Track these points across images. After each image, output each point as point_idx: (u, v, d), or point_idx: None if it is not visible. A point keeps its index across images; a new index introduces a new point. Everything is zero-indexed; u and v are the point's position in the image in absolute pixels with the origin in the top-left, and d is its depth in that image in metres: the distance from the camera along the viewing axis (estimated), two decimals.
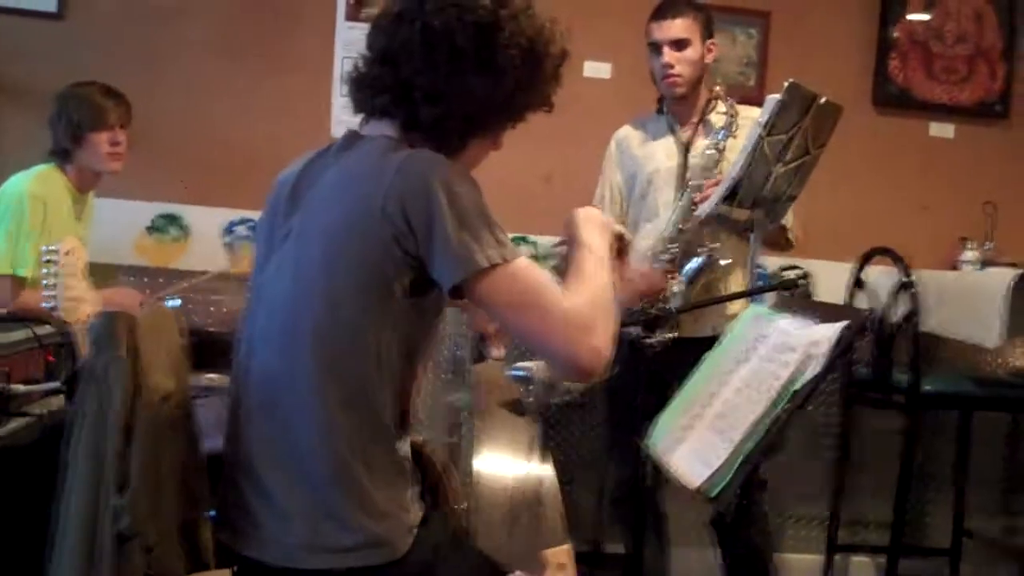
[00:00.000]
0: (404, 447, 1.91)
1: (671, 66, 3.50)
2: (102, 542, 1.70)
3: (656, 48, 3.53)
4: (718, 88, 3.55)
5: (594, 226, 1.99)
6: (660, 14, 3.54)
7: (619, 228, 2.08)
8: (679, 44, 3.49)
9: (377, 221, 1.73)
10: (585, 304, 1.78)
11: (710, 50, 3.57)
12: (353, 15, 4.27)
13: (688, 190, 3.47)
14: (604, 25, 4.26)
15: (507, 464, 2.40)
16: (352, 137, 1.93)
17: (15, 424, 2.30)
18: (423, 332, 1.89)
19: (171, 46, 4.21)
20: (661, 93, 3.65)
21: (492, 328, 2.47)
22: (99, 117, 3.50)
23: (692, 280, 3.39)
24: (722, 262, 3.36)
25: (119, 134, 3.55)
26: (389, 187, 1.74)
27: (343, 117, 4.17)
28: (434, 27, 1.83)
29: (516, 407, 2.67)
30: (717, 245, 3.38)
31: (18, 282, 3.39)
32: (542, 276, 1.78)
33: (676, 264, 3.43)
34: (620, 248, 2.08)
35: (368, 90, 1.92)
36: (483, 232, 1.74)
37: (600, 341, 1.75)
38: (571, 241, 1.98)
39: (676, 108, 3.65)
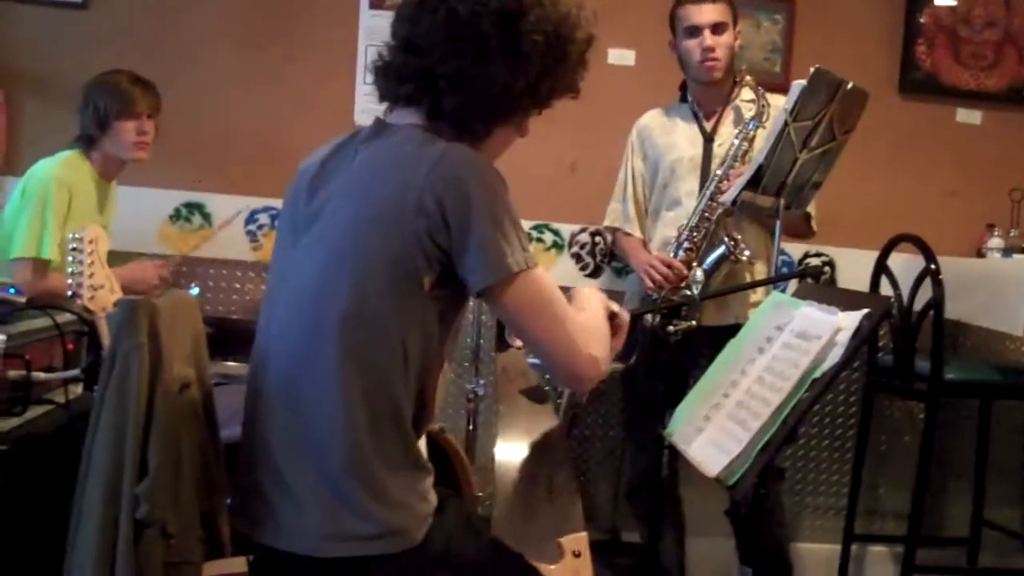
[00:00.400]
0: (422, 439, 1.92)
1: (712, 49, 3.49)
2: (122, 529, 1.71)
3: (694, 32, 3.51)
4: (749, 77, 3.54)
5: (594, 297, 2.08)
6: None
7: (614, 307, 2.14)
8: (718, 28, 3.49)
9: (411, 214, 1.74)
10: (587, 321, 1.92)
11: (737, 36, 3.56)
12: (377, 3, 4.26)
13: (714, 179, 3.46)
14: (628, 13, 4.24)
15: (525, 452, 2.40)
16: (380, 126, 1.93)
17: (36, 411, 2.32)
18: (447, 325, 1.89)
19: (195, 35, 4.22)
20: (693, 78, 3.63)
21: None
22: (127, 105, 3.50)
23: (712, 270, 3.38)
24: (744, 255, 3.35)
25: (146, 123, 3.54)
26: (425, 180, 1.74)
27: (367, 106, 4.17)
28: (458, 14, 1.83)
29: (537, 394, 2.67)
30: (739, 237, 3.37)
31: (41, 265, 3.40)
32: (555, 286, 1.85)
33: (698, 253, 3.43)
34: (613, 324, 2.11)
35: (393, 79, 1.92)
36: (513, 236, 1.77)
37: (599, 353, 1.88)
38: (573, 300, 2.03)
39: (701, 95, 3.64)
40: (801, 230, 3.68)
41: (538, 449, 2.42)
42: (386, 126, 1.92)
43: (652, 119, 3.76)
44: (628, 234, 3.76)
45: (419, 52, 1.86)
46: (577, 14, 1.92)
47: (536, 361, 3.13)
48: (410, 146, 1.83)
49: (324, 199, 1.88)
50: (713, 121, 3.62)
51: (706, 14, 3.49)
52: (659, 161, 3.67)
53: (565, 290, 1.93)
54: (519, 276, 1.77)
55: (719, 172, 3.46)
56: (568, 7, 1.90)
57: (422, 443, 1.95)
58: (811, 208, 3.56)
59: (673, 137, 3.67)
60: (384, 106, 2.00)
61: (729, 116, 3.61)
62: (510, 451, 2.38)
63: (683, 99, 3.71)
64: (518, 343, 2.55)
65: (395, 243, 1.75)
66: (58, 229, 3.38)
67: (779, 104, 3.32)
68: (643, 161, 3.75)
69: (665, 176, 3.65)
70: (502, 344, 3.01)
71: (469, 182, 1.74)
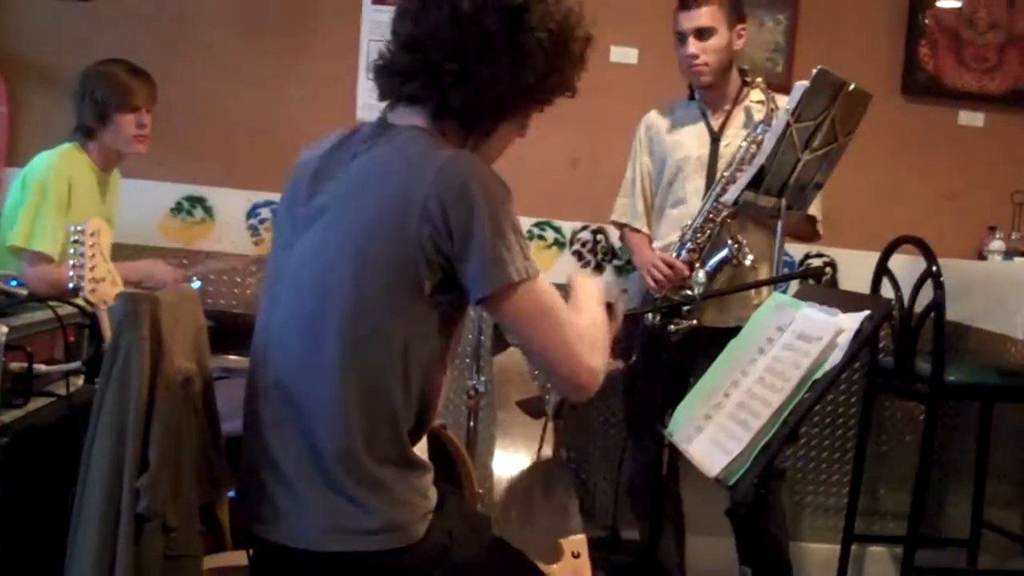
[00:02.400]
0: (420, 446, 1.92)
1: (695, 56, 3.50)
2: (122, 523, 1.71)
3: (682, 38, 3.52)
4: (760, 80, 3.53)
5: (590, 288, 2.07)
6: (685, 3, 3.52)
7: (612, 294, 2.14)
8: (703, 34, 3.48)
9: (415, 219, 1.74)
10: (587, 328, 1.90)
11: (740, 35, 3.55)
12: None
13: (721, 181, 3.45)
14: (631, 10, 4.24)
15: (524, 455, 2.40)
16: (383, 126, 1.92)
17: (37, 404, 2.32)
18: (449, 331, 1.89)
19: (197, 28, 4.23)
20: (689, 82, 3.63)
21: None
22: (126, 98, 3.49)
23: (715, 272, 3.39)
24: (747, 261, 3.35)
25: (145, 116, 3.54)
26: (430, 187, 1.74)
27: (369, 101, 4.18)
28: (463, 11, 1.83)
29: (534, 406, 2.66)
30: (743, 241, 3.37)
31: (42, 258, 3.40)
32: (557, 294, 1.85)
33: (701, 255, 3.43)
34: (611, 313, 2.11)
35: (397, 77, 1.91)
36: (515, 245, 1.77)
37: (598, 363, 1.87)
38: (571, 290, 2.05)
39: (707, 95, 3.63)
40: (806, 233, 3.69)
41: (535, 452, 2.42)
42: (389, 126, 1.91)
43: (659, 116, 3.76)
44: (636, 230, 3.76)
45: (423, 50, 1.86)
46: (579, 12, 1.93)
47: None
48: (414, 150, 1.82)
49: (326, 198, 1.87)
50: (721, 121, 3.61)
51: (690, 20, 3.50)
52: (665, 159, 3.67)
53: (561, 287, 1.95)
54: (520, 285, 1.77)
55: (726, 174, 3.46)
56: (569, 5, 1.91)
57: (423, 440, 1.96)
58: (816, 211, 3.56)
59: (680, 135, 3.66)
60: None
61: (738, 116, 3.60)
62: (509, 456, 2.38)
63: (691, 97, 3.70)
64: None
65: (397, 248, 1.75)
66: (58, 221, 3.38)
67: (785, 105, 3.32)
68: (650, 157, 3.75)
69: (671, 174, 3.64)
70: (500, 343, 3.00)
71: (473, 190, 1.74)
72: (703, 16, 3.48)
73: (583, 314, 1.93)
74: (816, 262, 4.40)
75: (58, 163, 3.44)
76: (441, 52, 1.84)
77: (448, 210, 1.73)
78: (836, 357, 2.07)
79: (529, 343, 1.83)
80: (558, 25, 1.88)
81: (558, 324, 1.81)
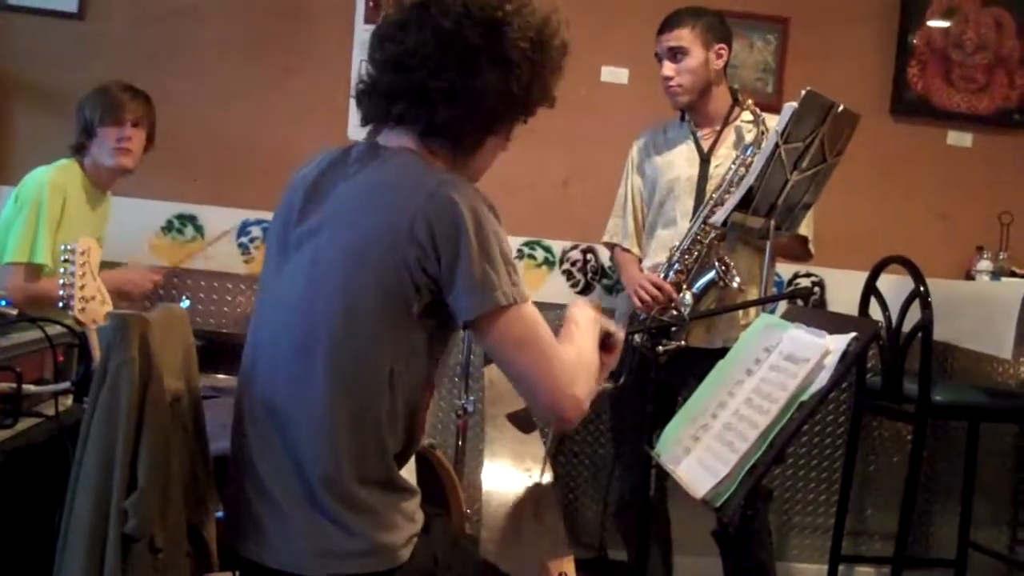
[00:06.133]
0: (408, 467, 1.92)
1: (669, 78, 3.52)
2: (110, 543, 1.71)
3: (660, 59, 3.56)
4: (751, 101, 3.54)
5: (587, 316, 2.07)
6: (661, 26, 3.56)
7: (609, 324, 2.14)
8: (675, 55, 3.50)
9: (403, 241, 1.75)
10: (574, 358, 1.88)
11: (719, 55, 3.53)
12: (371, 18, 4.27)
13: (709, 203, 3.46)
14: (621, 31, 4.27)
15: (512, 474, 2.40)
16: (373, 148, 1.93)
17: (26, 423, 2.32)
18: (435, 355, 1.90)
19: (189, 47, 4.24)
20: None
21: None
22: (110, 111, 3.53)
23: (702, 294, 3.39)
24: (734, 284, 3.36)
25: (128, 130, 3.55)
26: (418, 209, 1.75)
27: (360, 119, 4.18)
28: (445, 28, 1.84)
29: (524, 420, 2.66)
30: (731, 263, 3.38)
31: (34, 270, 3.42)
32: (543, 322, 1.84)
33: (688, 276, 3.43)
34: (608, 344, 2.13)
35: (382, 99, 1.92)
36: (502, 269, 1.78)
37: (582, 393, 1.84)
38: (565, 321, 2.04)
39: (695, 116, 3.64)
40: (798, 253, 3.69)
41: (525, 471, 2.42)
42: (380, 148, 1.92)
43: (651, 137, 3.77)
44: (626, 250, 3.77)
45: (408, 70, 1.87)
46: (557, 20, 1.95)
47: None
48: (406, 174, 1.83)
49: (317, 220, 1.88)
50: (711, 141, 3.61)
51: (663, 42, 3.53)
52: (657, 179, 3.67)
53: (559, 307, 1.95)
54: (507, 310, 1.77)
55: (714, 196, 3.46)
56: (546, 12, 1.93)
57: (411, 461, 1.96)
58: (808, 231, 3.57)
59: (671, 156, 3.66)
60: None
61: (729, 137, 3.60)
62: (497, 473, 2.38)
63: (683, 118, 3.70)
64: None
65: (386, 270, 1.76)
66: (51, 234, 3.41)
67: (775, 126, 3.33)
68: (641, 178, 3.76)
69: (662, 195, 3.64)
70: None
71: (461, 213, 1.75)
72: (675, 37, 3.50)
73: (572, 345, 1.93)
74: (804, 282, 4.41)
75: (54, 178, 3.47)
76: (426, 70, 1.85)
77: (436, 233, 1.74)
78: (823, 379, 2.07)
79: (513, 369, 1.82)
80: (537, 33, 1.90)
81: (542, 352, 1.80)
